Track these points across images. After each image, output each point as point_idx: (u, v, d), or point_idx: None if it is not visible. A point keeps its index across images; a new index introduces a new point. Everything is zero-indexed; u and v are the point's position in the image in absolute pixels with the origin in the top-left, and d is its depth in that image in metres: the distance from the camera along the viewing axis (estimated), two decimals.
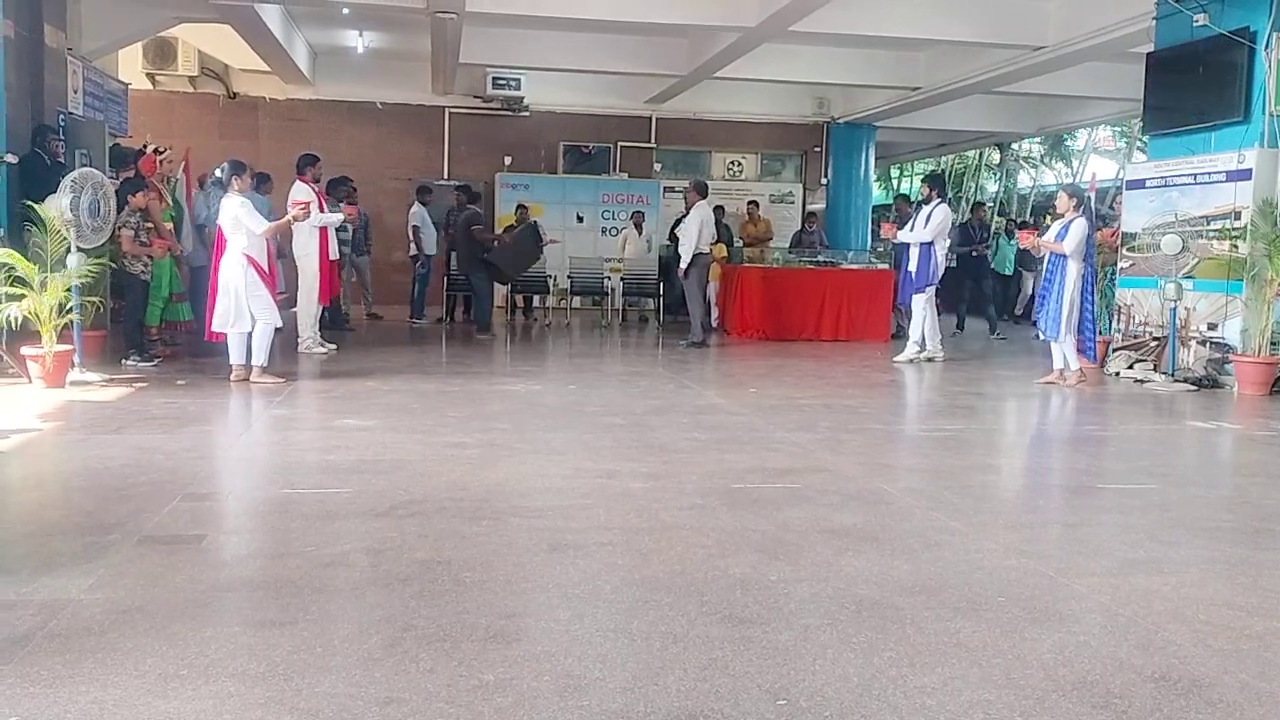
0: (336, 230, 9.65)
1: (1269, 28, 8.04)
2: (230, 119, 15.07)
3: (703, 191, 10.81)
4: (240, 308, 7.22)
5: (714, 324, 12.72)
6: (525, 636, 2.74)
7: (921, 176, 19.18)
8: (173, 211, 8.99)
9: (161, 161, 9.15)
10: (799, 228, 15.33)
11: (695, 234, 10.49)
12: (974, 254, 13.37)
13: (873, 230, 17.07)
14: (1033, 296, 12.48)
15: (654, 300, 13.95)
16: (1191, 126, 8.75)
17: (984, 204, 18.17)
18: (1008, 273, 14.35)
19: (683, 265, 10.69)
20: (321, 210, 9.14)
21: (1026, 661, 2.64)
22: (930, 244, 9.53)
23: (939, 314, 10.17)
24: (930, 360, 9.59)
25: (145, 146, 9.14)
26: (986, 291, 13.33)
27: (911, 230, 9.74)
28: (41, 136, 8.38)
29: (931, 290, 9.64)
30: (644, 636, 2.74)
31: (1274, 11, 8.02)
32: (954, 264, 13.09)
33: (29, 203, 7.22)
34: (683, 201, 13.60)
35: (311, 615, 2.84)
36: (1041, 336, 8.39)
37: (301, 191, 8.97)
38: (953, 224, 10.76)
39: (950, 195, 17.29)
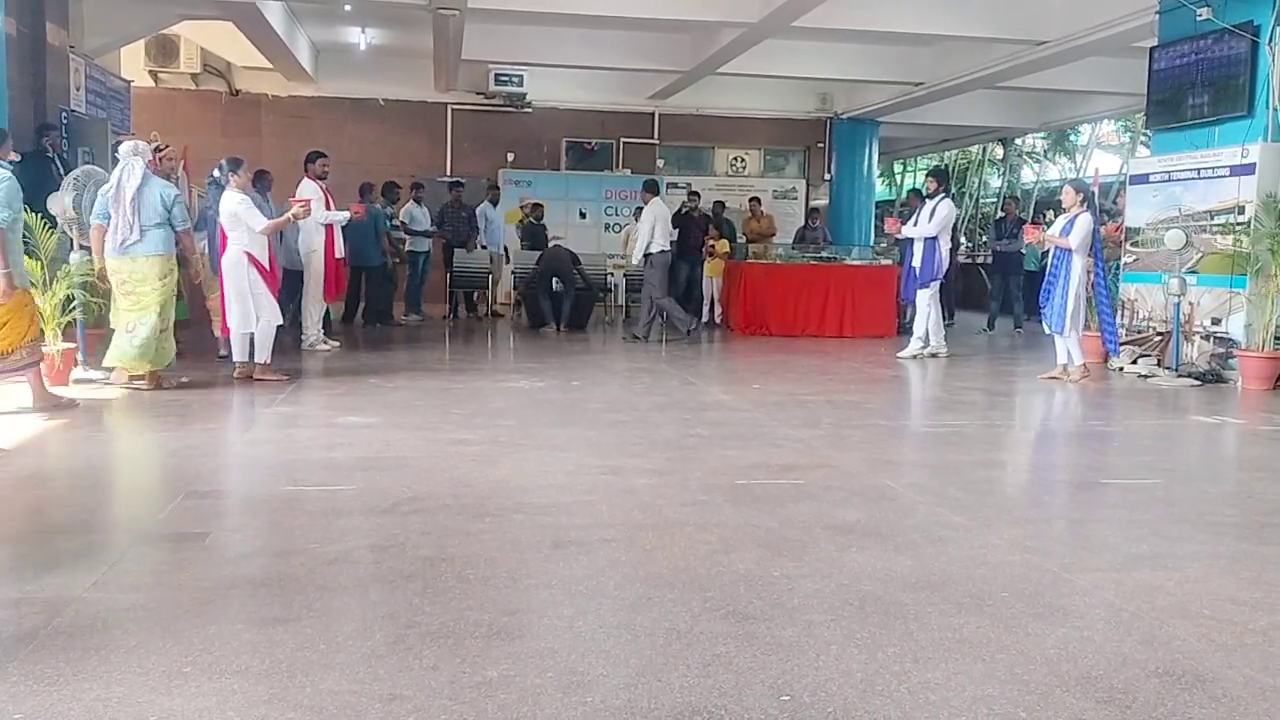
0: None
1: (1273, 21, 8.02)
2: (233, 116, 15.08)
3: (654, 190, 11.08)
4: (244, 306, 7.23)
5: (716, 320, 12.74)
6: (528, 633, 2.73)
7: (925, 171, 19.15)
8: None
9: (162, 159, 9.14)
10: (802, 224, 15.29)
11: (648, 232, 10.64)
12: (1003, 249, 13.20)
13: (876, 226, 17.04)
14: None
15: None
16: (1195, 121, 8.74)
17: (1016, 198, 18.02)
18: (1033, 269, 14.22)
19: (634, 261, 11.07)
20: (328, 208, 9.14)
21: (1030, 657, 2.63)
22: (934, 239, 9.50)
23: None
24: (934, 356, 9.58)
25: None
26: (1014, 290, 13.17)
27: (915, 225, 9.72)
28: (41, 134, 8.39)
29: (935, 285, 9.62)
30: (647, 633, 2.74)
31: (1278, 5, 8.00)
32: (990, 260, 13.04)
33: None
34: (685, 198, 13.73)
35: (315, 612, 2.84)
36: (1047, 331, 8.38)
37: (307, 189, 8.97)
38: (971, 219, 10.69)
39: (954, 191, 17.21)
